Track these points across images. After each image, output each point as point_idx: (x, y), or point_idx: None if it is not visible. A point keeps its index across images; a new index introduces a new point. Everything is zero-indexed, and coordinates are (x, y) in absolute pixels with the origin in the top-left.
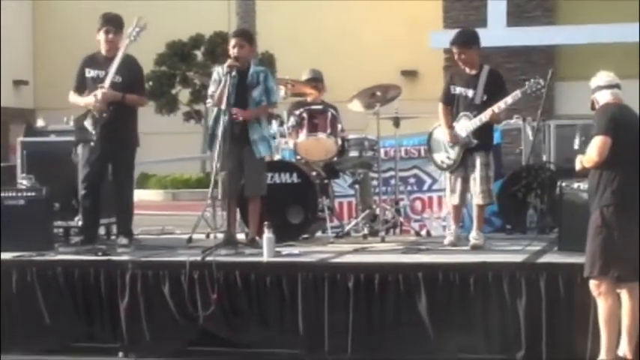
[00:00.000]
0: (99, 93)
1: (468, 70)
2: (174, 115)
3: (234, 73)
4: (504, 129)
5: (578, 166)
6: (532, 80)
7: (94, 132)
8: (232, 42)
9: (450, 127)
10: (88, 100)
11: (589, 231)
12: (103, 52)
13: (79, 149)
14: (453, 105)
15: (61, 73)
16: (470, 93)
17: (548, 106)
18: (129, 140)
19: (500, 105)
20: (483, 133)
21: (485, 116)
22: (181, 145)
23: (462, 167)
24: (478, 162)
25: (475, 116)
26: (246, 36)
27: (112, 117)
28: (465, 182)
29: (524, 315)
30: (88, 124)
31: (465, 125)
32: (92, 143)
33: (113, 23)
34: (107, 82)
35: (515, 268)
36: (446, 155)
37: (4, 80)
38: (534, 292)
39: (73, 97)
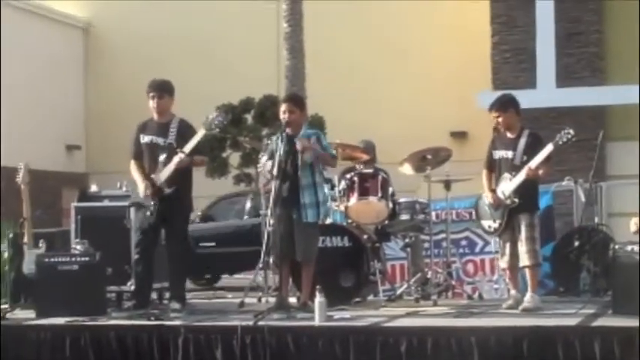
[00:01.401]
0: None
1: (508, 134)
2: (225, 179)
3: (282, 145)
4: (556, 191)
5: (633, 228)
6: (562, 132)
7: (152, 202)
8: (282, 107)
9: (492, 191)
10: (140, 188)
11: None
12: (156, 117)
13: (132, 213)
14: (495, 170)
15: (113, 138)
16: (510, 154)
17: (600, 167)
18: (184, 206)
19: (536, 161)
20: (526, 194)
21: (522, 174)
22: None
23: (508, 230)
24: (523, 223)
25: (515, 177)
26: (296, 101)
27: (170, 183)
28: (514, 245)
29: None
30: (141, 191)
31: (506, 186)
32: (149, 213)
33: (158, 89)
34: (188, 148)
35: (569, 331)
36: (492, 220)
37: (57, 145)
38: (589, 357)
39: (133, 170)
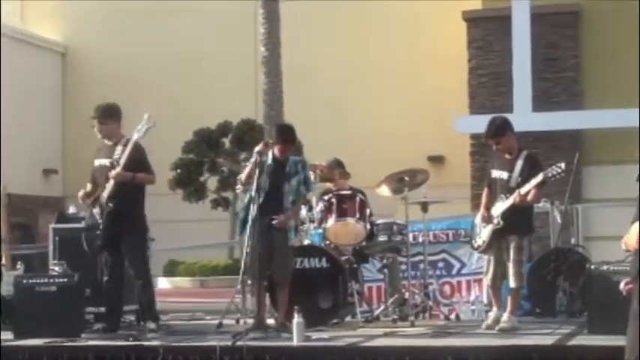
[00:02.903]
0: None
1: (506, 155)
2: (203, 203)
3: (269, 162)
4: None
5: (623, 247)
6: (553, 165)
7: (100, 220)
8: (279, 146)
9: (486, 208)
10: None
11: (631, 313)
12: (105, 141)
13: (83, 239)
14: (492, 188)
15: (90, 162)
16: (505, 176)
17: (576, 191)
18: (136, 224)
19: (525, 188)
20: (516, 216)
21: (511, 199)
22: (209, 232)
23: (493, 249)
24: (511, 245)
25: (508, 199)
26: (292, 139)
27: (118, 205)
28: (498, 264)
29: None
30: (96, 212)
31: (498, 207)
32: (98, 232)
33: (100, 114)
34: (122, 160)
35: (546, 351)
36: (479, 236)
37: (34, 169)
38: None
39: (88, 187)
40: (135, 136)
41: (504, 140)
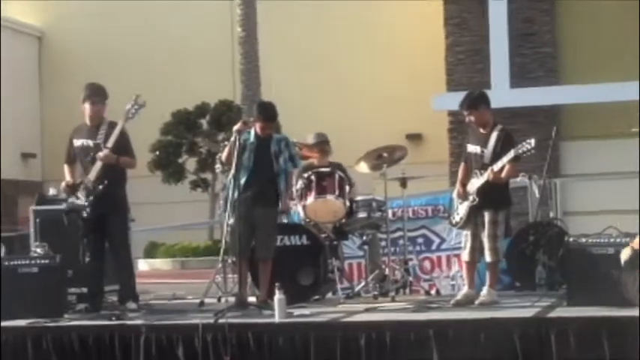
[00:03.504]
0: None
1: (481, 129)
2: (182, 184)
3: (252, 139)
4: (510, 188)
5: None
6: (524, 142)
7: (86, 202)
8: (260, 124)
9: (462, 184)
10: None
11: None
12: (88, 121)
13: (65, 219)
14: (469, 163)
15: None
16: (479, 150)
17: (554, 166)
18: (119, 204)
19: (498, 165)
20: (491, 191)
21: (485, 175)
22: (189, 213)
23: (470, 224)
24: (486, 220)
25: (482, 175)
26: (274, 117)
27: (104, 187)
28: (475, 239)
29: None
30: (81, 194)
31: (474, 183)
32: (85, 214)
33: (97, 94)
34: (110, 142)
35: (526, 322)
36: (456, 212)
37: (13, 153)
38: (545, 347)
39: (65, 171)
40: (124, 118)
41: (478, 114)
